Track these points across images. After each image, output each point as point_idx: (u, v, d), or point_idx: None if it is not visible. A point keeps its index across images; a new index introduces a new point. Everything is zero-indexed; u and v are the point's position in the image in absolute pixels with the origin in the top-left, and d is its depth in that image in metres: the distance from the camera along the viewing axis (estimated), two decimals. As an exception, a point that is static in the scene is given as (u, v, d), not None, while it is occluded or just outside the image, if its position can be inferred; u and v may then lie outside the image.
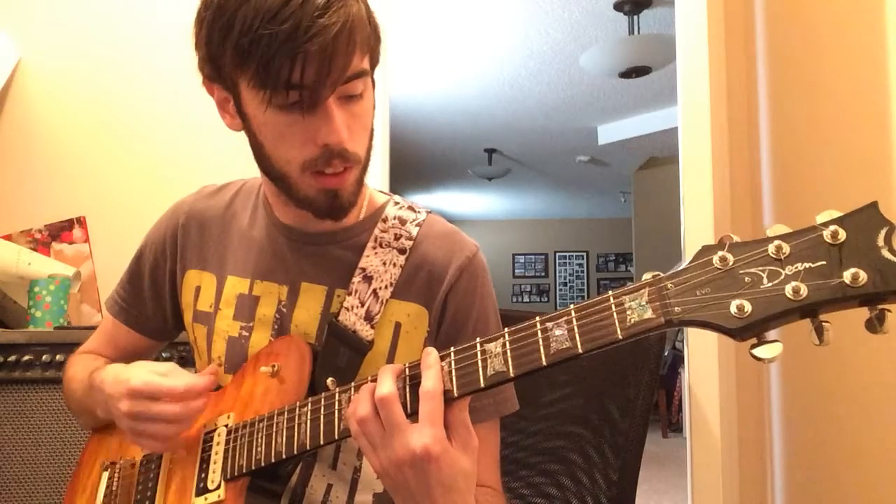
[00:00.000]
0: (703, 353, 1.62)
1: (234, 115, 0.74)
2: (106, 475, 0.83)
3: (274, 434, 0.69)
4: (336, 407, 0.65)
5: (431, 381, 0.58)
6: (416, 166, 6.29)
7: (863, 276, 0.44)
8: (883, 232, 0.44)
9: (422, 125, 5.13)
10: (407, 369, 0.61)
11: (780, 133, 1.49)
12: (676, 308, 0.50)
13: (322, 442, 0.65)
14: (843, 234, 0.45)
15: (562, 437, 1.16)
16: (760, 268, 0.47)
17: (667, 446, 4.94)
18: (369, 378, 0.63)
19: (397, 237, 0.81)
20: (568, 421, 1.17)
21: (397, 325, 0.79)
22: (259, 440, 0.70)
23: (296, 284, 0.81)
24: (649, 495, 3.63)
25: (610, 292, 0.53)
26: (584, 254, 9.30)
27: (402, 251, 0.81)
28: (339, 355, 0.76)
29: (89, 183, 1.89)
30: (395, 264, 0.80)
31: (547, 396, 1.16)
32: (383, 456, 0.58)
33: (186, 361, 1.39)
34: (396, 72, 4.00)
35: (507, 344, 0.57)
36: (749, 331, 0.47)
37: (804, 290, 0.45)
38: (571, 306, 0.55)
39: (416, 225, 0.83)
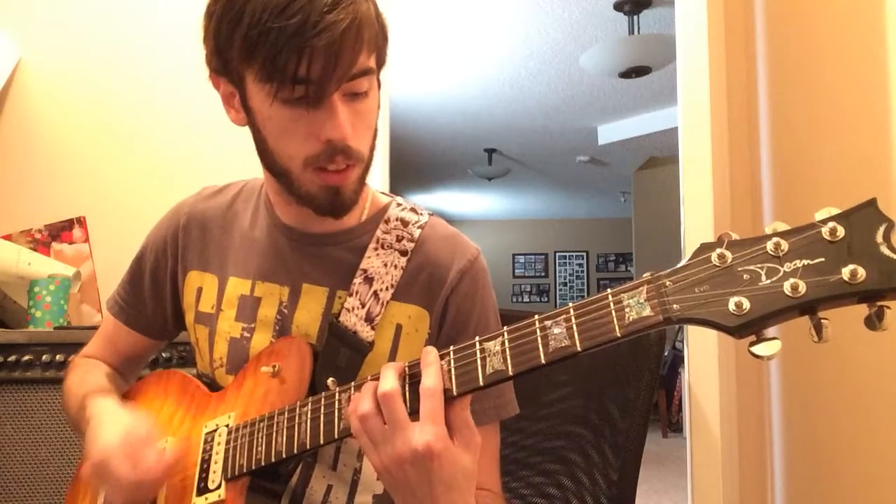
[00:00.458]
0: (703, 352, 1.62)
1: (240, 109, 0.74)
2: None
3: (274, 434, 0.69)
4: (336, 407, 0.65)
5: (432, 379, 0.58)
6: (416, 166, 6.29)
7: (861, 272, 0.44)
8: (882, 228, 0.44)
9: (422, 125, 5.13)
10: (407, 368, 0.61)
11: (780, 133, 1.49)
12: (675, 306, 0.50)
13: (322, 441, 0.65)
14: (841, 231, 0.45)
15: (562, 437, 1.16)
16: (759, 265, 0.47)
17: (667, 446, 4.94)
18: (369, 377, 0.63)
19: (399, 239, 0.81)
20: (568, 421, 1.17)
21: (398, 327, 0.79)
22: (259, 440, 0.70)
23: (297, 285, 0.81)
24: (649, 495, 3.63)
25: (608, 290, 0.53)
26: (584, 254, 9.30)
27: (403, 253, 0.81)
28: (339, 356, 0.76)
29: (89, 183, 1.89)
30: (396, 266, 0.80)
31: (547, 396, 1.16)
32: (384, 453, 0.58)
33: (186, 361, 1.39)
34: (397, 71, 4.00)
35: (506, 342, 0.57)
36: (748, 328, 0.47)
37: (803, 287, 0.45)
38: (570, 305, 0.55)
39: (419, 227, 0.83)
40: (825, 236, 0.46)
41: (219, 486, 0.71)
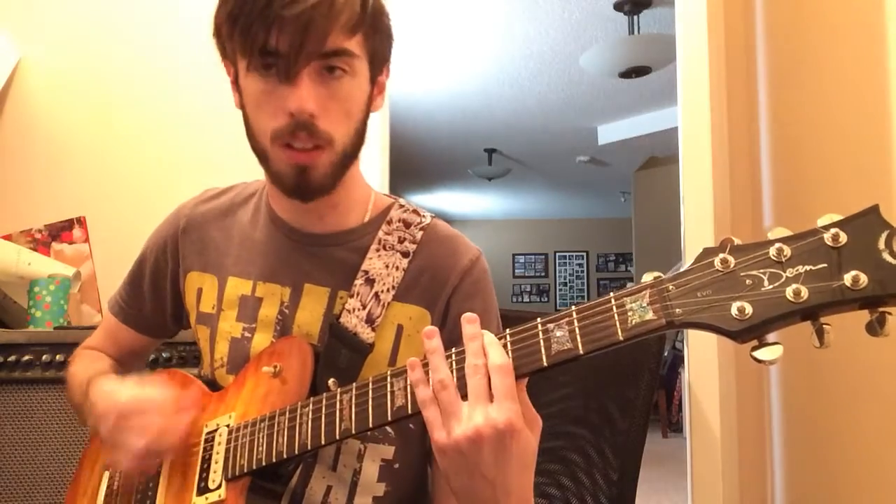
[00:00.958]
0: (703, 353, 1.62)
1: (236, 90, 0.76)
2: (107, 475, 0.84)
3: (275, 434, 0.69)
4: (337, 407, 0.65)
5: (502, 357, 0.56)
6: (416, 166, 6.29)
7: (863, 278, 0.44)
8: (884, 235, 0.44)
9: (422, 125, 5.13)
10: (454, 353, 0.59)
11: (780, 133, 1.49)
12: (677, 310, 0.50)
13: (323, 442, 0.65)
14: (844, 237, 0.45)
15: (562, 437, 1.16)
16: (762, 270, 0.48)
17: (667, 446, 4.94)
18: (388, 372, 0.63)
19: (401, 240, 0.82)
20: (568, 421, 1.17)
21: (399, 328, 0.79)
22: (260, 440, 0.70)
23: (299, 286, 0.81)
24: (649, 495, 3.63)
25: (611, 294, 0.54)
26: (584, 254, 9.30)
27: (405, 254, 0.81)
28: (340, 357, 0.76)
29: (89, 183, 1.89)
30: (397, 267, 0.80)
31: (547, 396, 1.16)
32: (457, 429, 0.55)
33: (186, 361, 1.39)
34: (397, 71, 4.00)
35: (509, 345, 0.57)
36: (750, 333, 0.48)
37: (805, 293, 0.46)
38: (572, 308, 0.55)
39: (420, 229, 0.83)
40: (827, 242, 0.46)
41: (219, 486, 0.71)
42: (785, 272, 0.47)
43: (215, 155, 1.84)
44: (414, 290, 0.80)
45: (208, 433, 0.76)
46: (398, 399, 0.61)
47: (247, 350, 0.81)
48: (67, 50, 1.91)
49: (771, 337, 0.48)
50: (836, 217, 0.47)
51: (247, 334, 0.82)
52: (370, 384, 0.64)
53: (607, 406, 1.18)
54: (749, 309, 0.47)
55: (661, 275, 0.52)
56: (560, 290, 9.28)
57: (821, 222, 0.47)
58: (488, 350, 0.57)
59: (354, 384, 0.65)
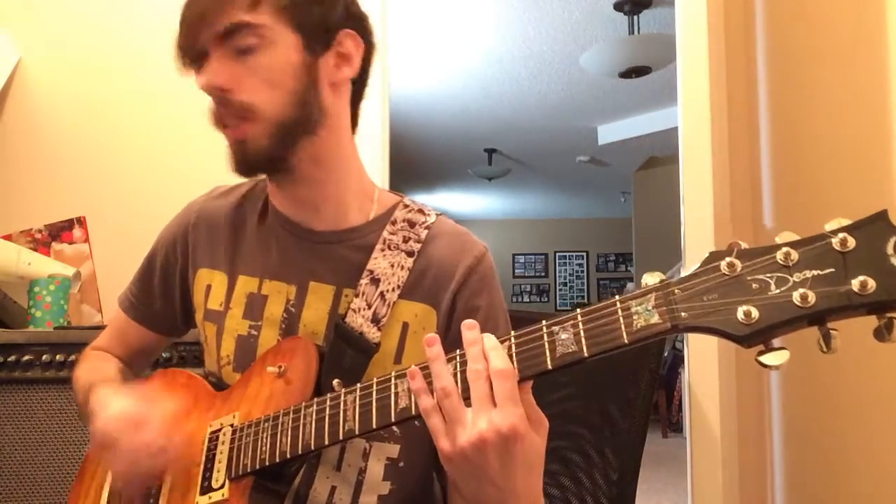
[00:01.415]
0: (703, 353, 1.62)
1: None
2: (110, 475, 0.83)
3: (279, 434, 0.69)
4: (341, 408, 0.65)
5: (504, 361, 0.56)
6: (416, 166, 6.28)
7: (871, 283, 0.44)
8: (892, 240, 0.44)
9: (422, 125, 5.13)
10: (458, 356, 0.59)
11: (780, 133, 1.49)
12: (683, 313, 0.50)
13: (327, 442, 0.65)
14: (852, 242, 0.45)
15: (562, 437, 1.16)
16: (768, 274, 0.47)
17: (667, 446, 4.94)
18: (392, 374, 0.63)
19: (406, 240, 0.82)
20: (568, 421, 1.17)
21: (405, 325, 0.80)
22: (264, 440, 0.70)
23: (304, 283, 0.82)
24: (649, 495, 3.63)
25: (616, 297, 0.53)
26: (584, 254, 9.30)
27: (410, 254, 0.81)
28: (345, 357, 0.76)
29: (89, 183, 1.88)
30: (402, 267, 0.80)
31: (547, 397, 1.16)
32: (462, 436, 0.55)
33: (186, 361, 1.39)
34: (397, 71, 4.00)
35: (513, 347, 0.57)
36: (756, 337, 0.47)
37: (812, 298, 0.45)
38: (577, 311, 0.55)
39: (425, 228, 0.83)
40: (835, 247, 0.46)
41: (222, 486, 0.71)
42: (792, 276, 0.46)
43: (215, 155, 1.83)
44: (419, 287, 0.80)
45: (212, 433, 0.76)
46: (402, 400, 0.61)
47: (253, 347, 0.81)
48: (67, 50, 1.91)
49: (777, 342, 0.48)
50: (845, 222, 0.46)
51: (253, 332, 0.82)
52: (374, 385, 0.64)
53: (607, 406, 1.18)
54: (755, 313, 0.47)
55: (662, 275, 0.52)
56: (560, 290, 9.28)
57: (829, 227, 0.47)
58: (489, 355, 0.57)
59: (359, 385, 0.65)
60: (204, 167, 1.87)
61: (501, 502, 0.57)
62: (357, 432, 0.64)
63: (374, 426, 0.63)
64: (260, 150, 0.74)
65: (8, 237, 1.84)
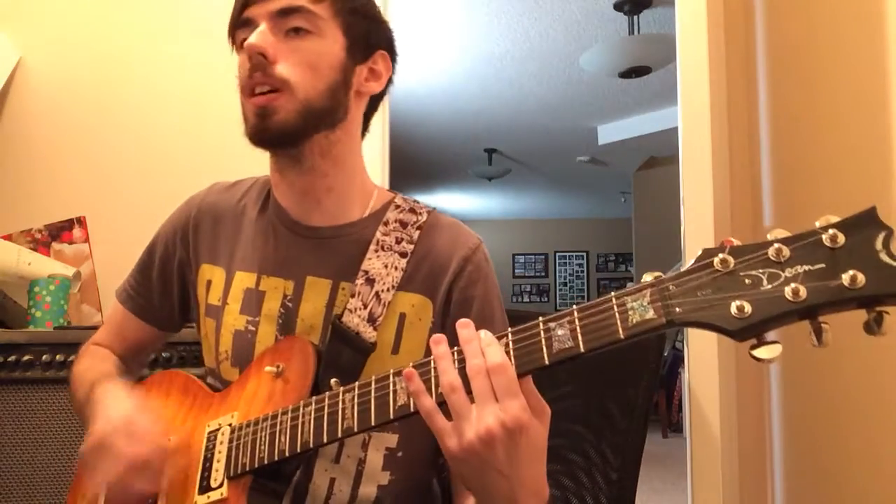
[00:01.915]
0: (703, 353, 1.62)
1: None
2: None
3: (277, 433, 0.69)
4: (340, 406, 0.65)
5: (500, 355, 0.57)
6: (416, 166, 6.29)
7: (861, 278, 0.44)
8: (881, 236, 0.45)
9: (422, 125, 5.14)
10: (455, 353, 0.60)
11: (780, 133, 1.49)
12: (677, 308, 0.51)
13: (325, 440, 0.66)
14: (842, 238, 0.46)
15: (562, 437, 1.16)
16: (761, 270, 0.48)
17: (667, 446, 4.94)
18: (391, 371, 0.63)
19: (398, 241, 0.82)
20: (568, 420, 1.17)
21: (402, 316, 0.80)
22: (262, 439, 0.70)
23: (301, 279, 0.82)
24: (649, 495, 3.63)
25: (612, 293, 0.54)
26: (584, 254, 9.30)
27: (403, 255, 0.82)
28: (342, 356, 0.76)
29: (89, 183, 1.89)
30: (396, 267, 0.81)
31: (547, 395, 1.16)
32: (469, 431, 0.56)
33: (185, 361, 1.39)
34: (397, 71, 4.00)
35: (510, 343, 0.58)
36: (749, 332, 0.48)
37: (803, 292, 0.46)
38: (574, 307, 0.56)
39: (417, 228, 0.84)
40: (826, 243, 0.46)
41: (221, 485, 0.72)
42: (784, 272, 0.47)
43: (216, 154, 1.84)
44: (415, 278, 0.81)
45: (210, 432, 0.76)
46: (400, 398, 0.62)
47: (251, 343, 0.82)
48: (67, 50, 1.91)
49: (770, 336, 0.49)
50: (834, 218, 0.47)
51: (251, 327, 0.82)
52: (372, 383, 0.64)
53: (607, 406, 1.18)
54: (748, 308, 0.48)
55: (662, 275, 0.53)
56: (560, 290, 9.28)
57: (819, 223, 0.47)
58: (485, 350, 0.57)
59: (357, 383, 0.65)
60: (204, 167, 1.87)
61: (508, 491, 0.57)
62: (356, 430, 0.64)
63: (373, 424, 0.63)
64: (284, 123, 0.76)
65: (8, 237, 1.84)
